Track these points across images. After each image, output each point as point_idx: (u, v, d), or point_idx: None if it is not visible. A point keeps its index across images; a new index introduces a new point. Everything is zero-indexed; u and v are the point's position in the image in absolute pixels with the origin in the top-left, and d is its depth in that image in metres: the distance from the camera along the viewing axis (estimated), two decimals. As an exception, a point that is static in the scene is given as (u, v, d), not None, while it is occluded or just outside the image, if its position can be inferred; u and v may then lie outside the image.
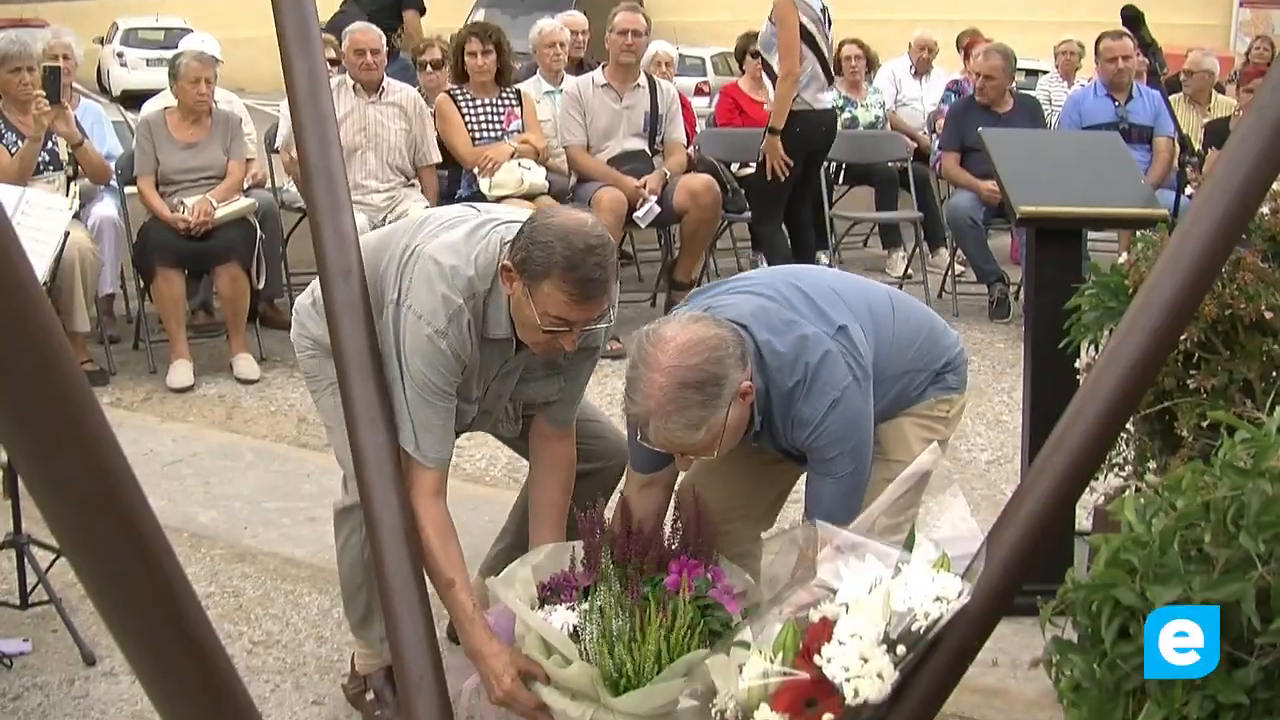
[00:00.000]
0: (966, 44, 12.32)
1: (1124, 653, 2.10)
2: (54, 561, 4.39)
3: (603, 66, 8.72)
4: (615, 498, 3.77)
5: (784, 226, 9.12)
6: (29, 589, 4.44)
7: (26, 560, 4.40)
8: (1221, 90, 10.91)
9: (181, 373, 7.31)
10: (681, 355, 3.11)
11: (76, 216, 7.07)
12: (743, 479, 3.82)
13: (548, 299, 3.24)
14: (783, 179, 8.70)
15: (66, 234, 6.05)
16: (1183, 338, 2.90)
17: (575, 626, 3.32)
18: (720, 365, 3.12)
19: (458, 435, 3.63)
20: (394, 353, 3.44)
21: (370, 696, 3.89)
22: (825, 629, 2.75)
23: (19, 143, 7.16)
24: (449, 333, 3.38)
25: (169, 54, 9.58)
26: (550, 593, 3.49)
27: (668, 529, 3.56)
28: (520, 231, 3.32)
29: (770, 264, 8.61)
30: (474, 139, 8.28)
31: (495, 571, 3.83)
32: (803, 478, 3.57)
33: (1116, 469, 3.06)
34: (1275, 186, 3.00)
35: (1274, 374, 2.93)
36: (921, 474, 3.23)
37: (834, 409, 3.27)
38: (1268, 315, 2.90)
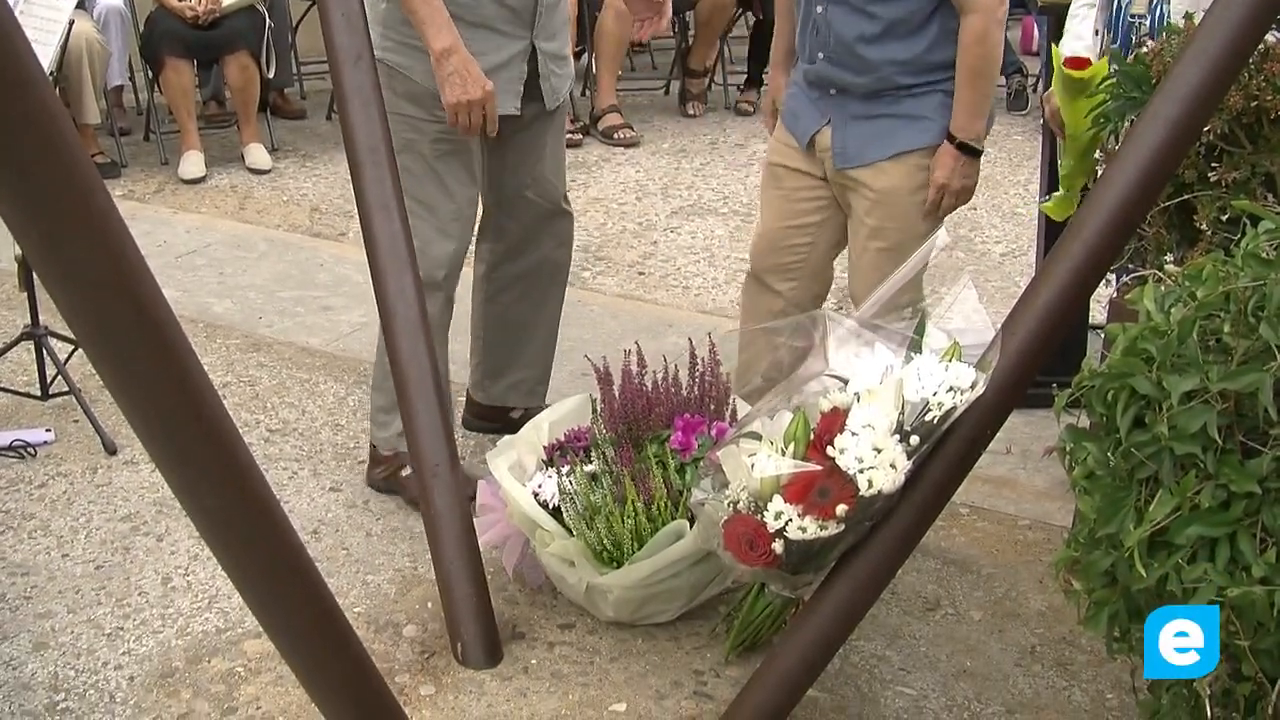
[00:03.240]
0: None
1: (1138, 441, 2.10)
2: (72, 353, 4.44)
3: None
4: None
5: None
6: (49, 380, 4.50)
7: (45, 352, 4.44)
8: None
9: (193, 163, 7.28)
10: None
11: (81, 6, 6.98)
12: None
13: None
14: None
15: (71, 23, 5.95)
16: (1205, 129, 2.85)
17: (564, 495, 3.34)
18: None
19: None
20: None
21: (406, 471, 3.89)
22: (837, 419, 2.76)
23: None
24: None
25: None
26: (559, 452, 3.50)
27: (684, 377, 3.56)
28: None
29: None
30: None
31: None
32: None
33: (1133, 261, 3.04)
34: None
35: (1297, 167, 2.90)
36: (931, 253, 3.20)
37: None
38: (1293, 108, 2.86)
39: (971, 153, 3.53)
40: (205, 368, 2.14)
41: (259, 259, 6.07)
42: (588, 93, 8.68)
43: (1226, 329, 2.08)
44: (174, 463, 2.25)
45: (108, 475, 4.13)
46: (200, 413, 2.17)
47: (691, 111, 8.75)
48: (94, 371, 2.55)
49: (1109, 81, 3.18)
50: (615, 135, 8.11)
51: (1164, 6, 3.49)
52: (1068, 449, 2.30)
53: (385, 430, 3.95)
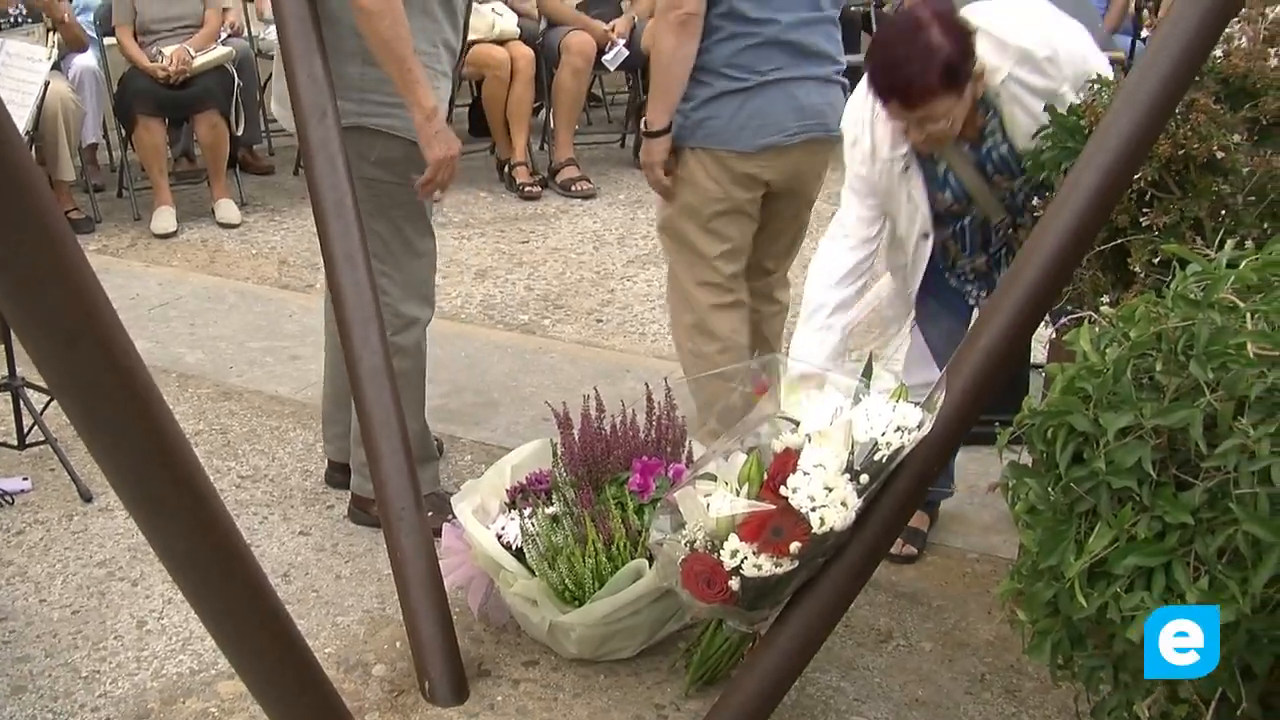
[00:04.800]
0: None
1: (1077, 476, 2.19)
2: (48, 404, 4.55)
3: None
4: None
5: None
6: (26, 430, 4.58)
7: (22, 403, 4.54)
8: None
9: (165, 218, 7.42)
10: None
11: (57, 67, 7.14)
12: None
13: None
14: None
15: (47, 84, 6.04)
16: (1137, 176, 2.96)
17: (526, 537, 3.42)
18: None
19: None
20: None
21: None
22: (789, 460, 2.84)
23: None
24: None
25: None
26: (521, 495, 3.59)
27: (642, 420, 3.65)
28: None
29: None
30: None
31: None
32: None
33: (1071, 303, 3.13)
34: (1228, 30, 3.05)
35: (1224, 213, 2.99)
36: (880, 297, 3.31)
37: None
38: (1219, 155, 2.96)
39: (649, 135, 4.25)
40: (177, 416, 2.22)
41: (229, 310, 6.15)
42: (546, 146, 8.79)
43: (1159, 367, 2.18)
44: (147, 509, 2.32)
45: (84, 522, 4.20)
46: (172, 460, 2.24)
47: (646, 163, 8.81)
48: (69, 421, 2.62)
49: (1045, 131, 3.30)
50: (573, 187, 8.22)
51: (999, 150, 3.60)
52: (1010, 485, 2.39)
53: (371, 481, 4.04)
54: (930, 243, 3.69)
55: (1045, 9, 3.57)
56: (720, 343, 4.26)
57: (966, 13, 3.47)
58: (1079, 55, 3.43)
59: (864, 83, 3.52)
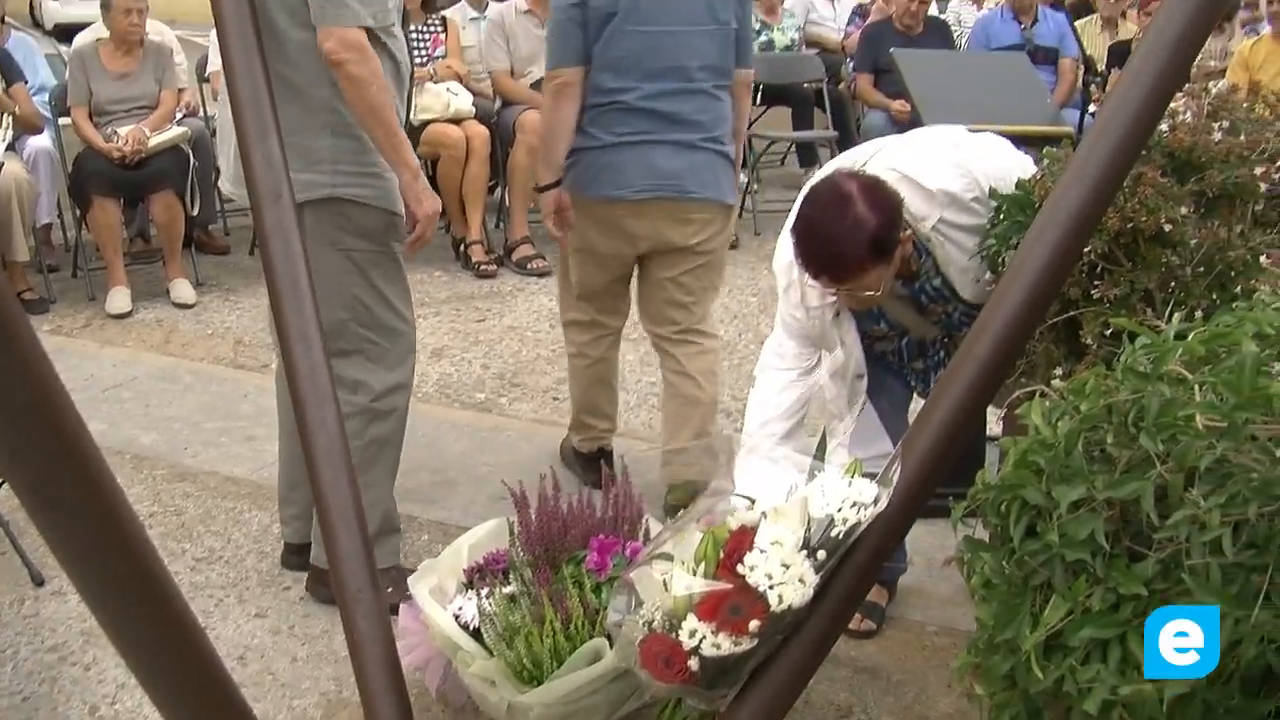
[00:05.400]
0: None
1: (1031, 549, 2.20)
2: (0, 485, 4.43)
3: (524, -9, 8.75)
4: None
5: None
6: (-25, 514, 4.51)
7: (-28, 486, 4.46)
8: (1124, 14, 11.11)
9: (120, 299, 7.42)
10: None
11: (11, 148, 7.18)
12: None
13: None
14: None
15: (0, 165, 6.04)
16: (1087, 249, 2.99)
17: (483, 617, 3.42)
18: None
19: None
20: None
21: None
22: (745, 537, 2.84)
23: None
24: None
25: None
26: (478, 575, 3.58)
27: (598, 498, 3.66)
28: None
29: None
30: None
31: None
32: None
33: (1024, 376, 3.16)
34: (1173, 105, 3.10)
35: (1173, 284, 3.03)
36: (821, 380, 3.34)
37: None
38: (1167, 228, 3.00)
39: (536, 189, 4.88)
40: (131, 499, 2.21)
41: (184, 391, 6.13)
42: (501, 224, 8.83)
43: (1110, 440, 2.20)
44: (99, 593, 2.29)
45: (35, 606, 4.16)
46: (125, 543, 2.22)
47: (602, 240, 8.87)
48: (21, 503, 2.61)
49: (995, 207, 3.34)
50: (528, 265, 8.26)
51: (932, 283, 3.65)
52: (965, 558, 2.40)
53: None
54: (865, 382, 3.77)
55: (955, 137, 3.64)
56: (578, 384, 5.16)
57: (882, 160, 3.52)
58: (1001, 176, 3.45)
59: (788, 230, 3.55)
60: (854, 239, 3.30)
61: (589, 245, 4.87)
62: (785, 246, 3.64)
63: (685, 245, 4.79)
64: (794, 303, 3.73)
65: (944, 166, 3.50)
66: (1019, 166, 3.50)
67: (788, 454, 3.03)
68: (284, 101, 3.69)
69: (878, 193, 3.36)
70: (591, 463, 4.94)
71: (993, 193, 3.38)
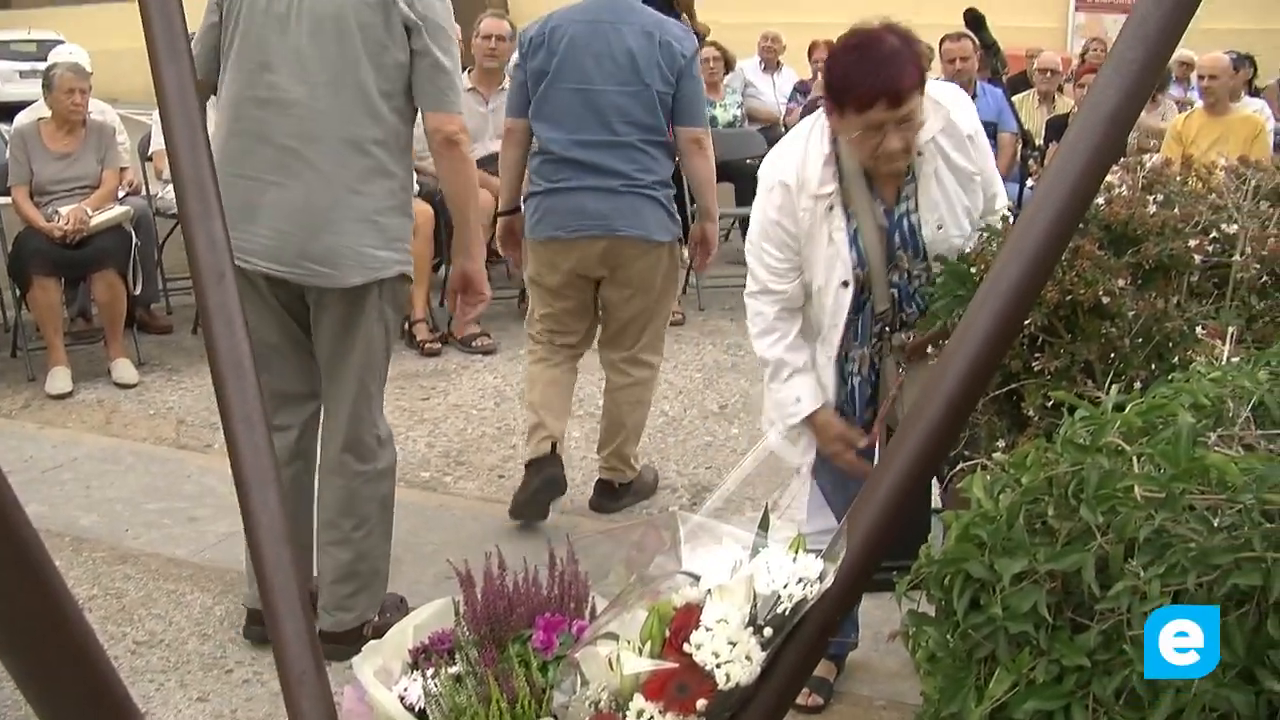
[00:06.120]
0: (811, 49, 12.60)
1: (975, 623, 2.21)
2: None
3: (469, 71, 8.80)
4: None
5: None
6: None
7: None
8: (1060, 89, 11.29)
9: (60, 379, 7.37)
10: None
11: (-50, 227, 7.11)
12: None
13: None
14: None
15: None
16: (1027, 322, 3.03)
17: (429, 698, 3.39)
18: None
19: None
20: None
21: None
22: (691, 615, 2.83)
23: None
24: None
25: (42, 65, 9.54)
26: (424, 655, 3.55)
27: (545, 577, 3.64)
28: None
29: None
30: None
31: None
32: None
33: (967, 448, 3.18)
34: (1109, 178, 3.14)
35: (1112, 355, 3.07)
36: (768, 453, 3.33)
37: None
38: (1105, 300, 3.04)
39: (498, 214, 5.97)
40: (70, 582, 2.19)
41: (125, 472, 6.09)
42: (445, 303, 8.81)
43: (1051, 512, 2.21)
44: (35, 679, 2.25)
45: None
46: (62, 627, 2.18)
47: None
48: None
49: (939, 280, 3.36)
50: (473, 343, 8.26)
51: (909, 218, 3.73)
52: (910, 632, 2.40)
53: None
54: (850, 292, 3.78)
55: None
56: (534, 386, 5.77)
57: None
58: (991, 160, 3.63)
59: (796, 131, 3.88)
60: (903, 60, 3.57)
61: (538, 277, 5.77)
62: (780, 150, 3.90)
63: (616, 276, 5.66)
64: (780, 202, 3.84)
65: (956, 103, 3.78)
66: (998, 183, 3.83)
67: (731, 530, 3.02)
68: (372, 179, 4.23)
69: (898, 29, 3.64)
70: (539, 465, 5.60)
71: (940, 259, 3.42)
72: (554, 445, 5.63)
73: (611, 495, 6.06)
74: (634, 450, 6.06)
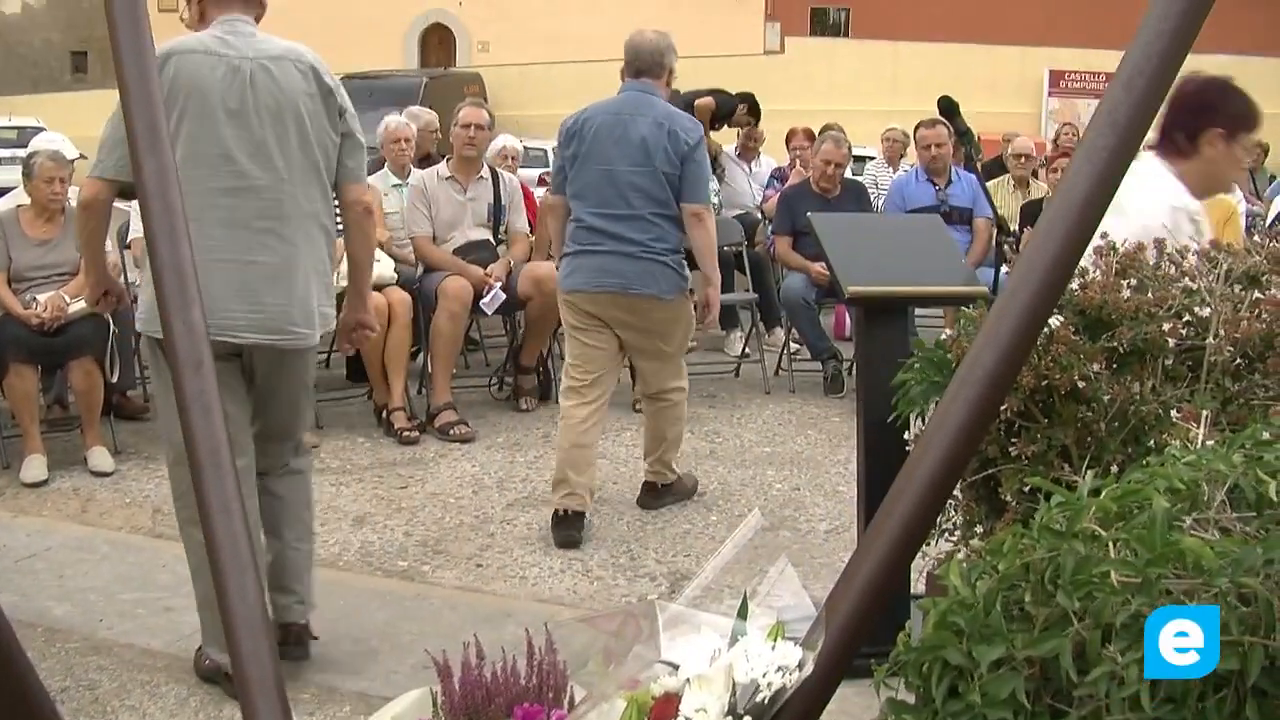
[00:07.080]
0: (789, 136, 12.71)
1: (954, 710, 2.20)
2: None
3: (447, 159, 8.88)
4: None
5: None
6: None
7: None
8: (1035, 174, 11.38)
9: (35, 467, 7.32)
10: None
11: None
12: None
13: None
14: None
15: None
16: (1003, 407, 3.03)
17: None
18: None
19: None
20: None
21: None
22: (670, 705, 2.81)
23: None
24: None
25: (22, 153, 9.58)
26: None
27: (523, 666, 3.63)
28: None
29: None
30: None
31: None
32: None
33: (946, 534, 3.18)
34: (1082, 263, 3.16)
35: (1089, 439, 3.07)
36: (748, 537, 3.32)
37: None
38: (1081, 384, 3.05)
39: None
40: (43, 673, 2.16)
41: (100, 561, 6.04)
42: (423, 391, 8.83)
43: (1028, 598, 2.21)
44: (7, 778, 2.24)
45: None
46: (35, 722, 2.17)
47: (524, 406, 8.95)
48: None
49: (914, 368, 3.38)
50: (451, 431, 8.26)
51: None
52: (889, 720, 2.39)
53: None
54: None
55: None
56: (571, 426, 6.66)
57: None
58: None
59: (1163, 200, 4.34)
60: None
61: (570, 324, 6.85)
62: (1155, 209, 4.19)
63: (634, 325, 6.74)
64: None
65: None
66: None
67: (710, 618, 3.01)
68: (319, 243, 4.87)
69: None
70: (561, 523, 6.52)
71: (916, 343, 3.46)
72: (570, 511, 6.54)
73: (655, 495, 7.28)
74: (675, 456, 7.30)
